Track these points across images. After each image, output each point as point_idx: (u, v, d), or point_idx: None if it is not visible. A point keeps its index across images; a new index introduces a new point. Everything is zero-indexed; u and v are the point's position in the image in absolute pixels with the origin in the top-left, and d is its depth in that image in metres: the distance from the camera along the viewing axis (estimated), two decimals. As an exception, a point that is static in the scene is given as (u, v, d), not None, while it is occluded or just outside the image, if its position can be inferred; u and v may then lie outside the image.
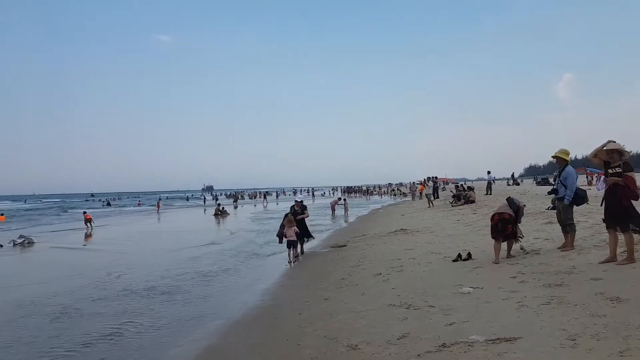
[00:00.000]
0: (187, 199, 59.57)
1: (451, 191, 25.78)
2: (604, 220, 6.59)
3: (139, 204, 64.99)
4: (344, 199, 31.63)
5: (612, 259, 5.99)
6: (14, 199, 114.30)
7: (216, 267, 10.99)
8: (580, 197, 7.69)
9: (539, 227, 10.79)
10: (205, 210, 43.71)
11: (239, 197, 65.32)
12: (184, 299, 7.92)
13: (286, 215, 11.80)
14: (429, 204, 23.97)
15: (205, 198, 67.56)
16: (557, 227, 8.38)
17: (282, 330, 5.52)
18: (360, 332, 4.77)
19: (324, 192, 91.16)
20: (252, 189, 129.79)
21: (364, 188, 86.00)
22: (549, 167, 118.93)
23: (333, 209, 29.46)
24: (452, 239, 11.01)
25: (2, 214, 35.12)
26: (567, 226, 7.57)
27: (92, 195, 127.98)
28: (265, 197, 60.07)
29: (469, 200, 20.21)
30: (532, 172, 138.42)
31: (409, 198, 43.56)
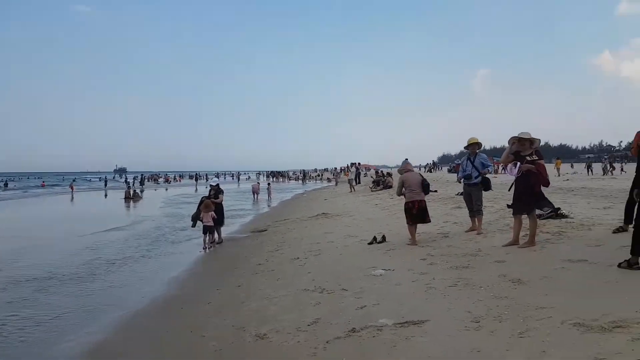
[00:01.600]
0: (106, 183, 54.41)
1: (372, 177, 26.47)
2: (509, 206, 6.93)
3: (42, 185, 59.45)
4: (268, 183, 31.34)
5: (514, 242, 6.31)
6: None
7: (123, 254, 10.18)
8: (489, 183, 8.09)
9: (448, 211, 11.31)
10: (106, 194, 41.06)
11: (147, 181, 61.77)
12: (82, 289, 7.18)
13: (203, 199, 11.26)
14: (351, 188, 24.46)
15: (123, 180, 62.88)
16: (465, 212, 8.76)
17: (187, 321, 5.18)
18: (271, 320, 4.59)
19: (249, 177, 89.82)
20: (177, 171, 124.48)
21: (291, 173, 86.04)
22: (460, 156, 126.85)
23: (255, 193, 28.95)
24: (370, 222, 11.19)
25: None
26: (476, 211, 7.92)
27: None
28: (196, 180, 57.49)
29: (387, 186, 20.85)
30: (445, 160, 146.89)
31: (332, 183, 44.26)
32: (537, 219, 6.78)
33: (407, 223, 7.75)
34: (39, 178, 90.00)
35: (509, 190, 6.76)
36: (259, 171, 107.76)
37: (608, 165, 34.97)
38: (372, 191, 21.13)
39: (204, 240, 10.69)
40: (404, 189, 7.84)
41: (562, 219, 7.88)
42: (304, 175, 70.42)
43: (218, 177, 57.37)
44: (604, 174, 32.07)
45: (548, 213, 7.92)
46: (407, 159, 8.51)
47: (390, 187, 20.72)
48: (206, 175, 64.15)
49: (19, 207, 28.21)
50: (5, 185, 57.87)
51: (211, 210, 10.77)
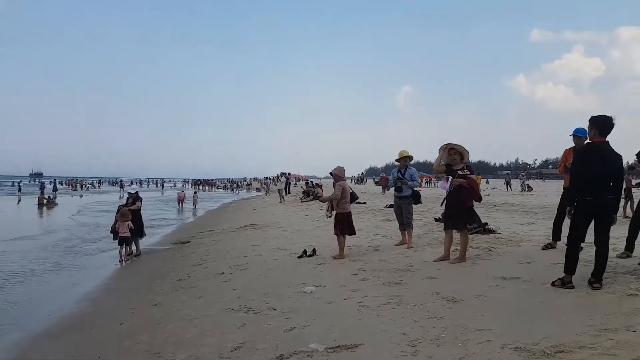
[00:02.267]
0: (20, 188, 47.86)
1: (302, 187, 26.33)
2: (437, 220, 6.97)
3: None
4: (194, 192, 30.17)
5: (445, 257, 6.31)
6: None
7: (28, 266, 9.08)
8: (419, 196, 8.13)
9: (378, 223, 11.33)
10: (19, 199, 37.23)
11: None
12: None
13: (119, 208, 10.34)
14: (281, 199, 24.11)
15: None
16: (395, 224, 8.75)
17: (95, 345, 4.59)
18: (190, 344, 4.12)
19: (174, 184, 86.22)
20: (98, 177, 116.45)
21: (217, 182, 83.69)
22: (385, 169, 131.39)
23: (181, 202, 27.66)
24: (300, 234, 10.90)
25: None
26: (407, 224, 7.90)
27: None
28: (121, 187, 53.56)
29: (317, 196, 20.75)
30: (371, 172, 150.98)
31: (262, 193, 43.60)
32: (471, 234, 6.85)
33: (337, 234, 7.53)
34: None
35: (441, 205, 6.76)
36: (185, 179, 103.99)
37: (525, 182, 37.67)
38: (302, 202, 20.94)
39: (120, 253, 9.79)
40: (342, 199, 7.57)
41: (490, 234, 8.10)
42: (233, 185, 69.04)
43: (140, 184, 54.61)
44: (522, 190, 34.46)
45: (476, 228, 8.10)
46: (342, 166, 8.22)
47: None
48: (121, 181, 59.87)
49: None
50: None
51: (128, 219, 9.91)
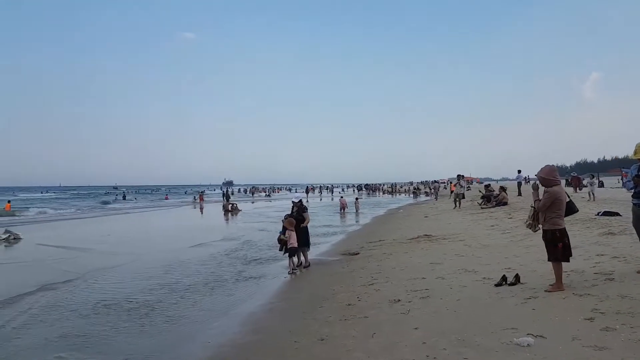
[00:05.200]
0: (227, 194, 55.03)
1: (480, 191, 23.48)
2: None
3: (166, 198, 63.44)
4: (356, 198, 29.89)
5: None
6: (40, 190, 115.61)
7: (199, 276, 9.25)
8: None
9: (597, 239, 8.67)
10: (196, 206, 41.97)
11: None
12: (138, 325, 6.11)
13: (285, 217, 9.93)
14: (456, 205, 21.62)
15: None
16: (623, 240, 6.37)
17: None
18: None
19: (343, 189, 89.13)
20: (271, 184, 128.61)
21: (383, 186, 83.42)
22: (577, 168, 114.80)
23: (342, 208, 27.67)
24: (489, 251, 8.98)
25: (8, 202, 34.26)
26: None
27: (115, 187, 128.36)
28: (307, 192, 57.96)
29: (501, 202, 18.01)
30: (562, 172, 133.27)
31: (430, 197, 41.42)
32: None
33: (553, 260, 5.56)
34: (154, 191, 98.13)
35: None
36: (347, 184, 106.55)
37: None
38: (481, 208, 18.43)
39: (290, 263, 9.36)
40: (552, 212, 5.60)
41: None
42: (395, 188, 67.79)
43: (307, 192, 56.89)
44: None
45: None
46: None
47: (505, 204, 17.88)
48: (287, 188, 63.91)
49: (139, 219, 29.81)
50: (124, 197, 63.29)
51: (293, 229, 9.45)
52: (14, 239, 16.28)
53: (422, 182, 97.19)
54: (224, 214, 29.30)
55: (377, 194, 68.32)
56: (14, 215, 29.99)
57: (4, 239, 15.93)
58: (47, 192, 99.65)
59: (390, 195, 59.91)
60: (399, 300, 5.94)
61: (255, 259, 11.24)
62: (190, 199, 56.66)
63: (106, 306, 7.10)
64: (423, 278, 7.08)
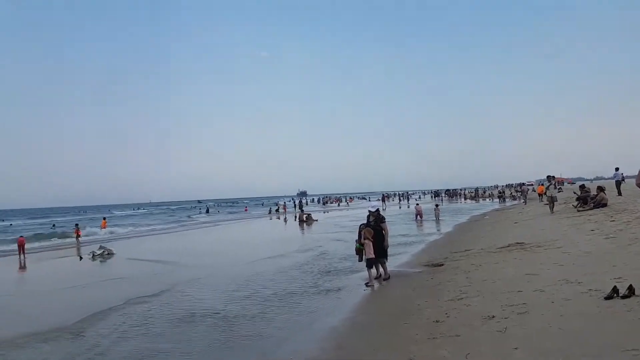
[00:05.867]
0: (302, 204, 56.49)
1: (575, 192, 21.45)
2: None
3: (245, 210, 67.20)
4: (436, 205, 28.74)
5: None
6: (132, 207, 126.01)
7: (276, 288, 9.22)
8: None
9: None
10: (278, 217, 42.61)
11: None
12: (222, 340, 6.09)
13: (361, 227, 9.55)
14: (551, 208, 19.67)
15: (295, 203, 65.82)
16: None
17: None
18: None
19: (420, 196, 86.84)
20: (345, 193, 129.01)
21: (465, 191, 79.83)
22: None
23: (419, 215, 26.71)
24: (592, 259, 7.96)
25: (104, 218, 37.26)
26: None
27: (199, 202, 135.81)
28: (383, 200, 57.80)
29: (600, 204, 16.25)
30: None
31: (518, 202, 38.88)
32: None
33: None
34: (233, 204, 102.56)
35: None
36: (424, 190, 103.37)
37: None
38: (578, 211, 16.74)
39: (369, 276, 9.02)
40: None
41: None
42: (478, 193, 64.47)
43: (383, 201, 55.92)
44: None
45: None
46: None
47: (605, 205, 16.10)
48: (361, 196, 63.38)
49: (220, 231, 31.14)
50: (207, 211, 66.75)
51: (370, 239, 9.10)
52: (108, 254, 17.52)
53: (506, 186, 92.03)
54: (299, 225, 29.57)
55: (459, 199, 65.53)
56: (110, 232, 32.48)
57: (98, 255, 17.21)
58: (139, 208, 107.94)
59: (473, 201, 57.09)
60: (494, 317, 5.36)
61: (332, 271, 11.02)
62: (266, 210, 58.41)
63: (188, 320, 7.22)
64: (519, 291, 6.38)
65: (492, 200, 53.88)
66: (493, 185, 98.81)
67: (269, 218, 44.35)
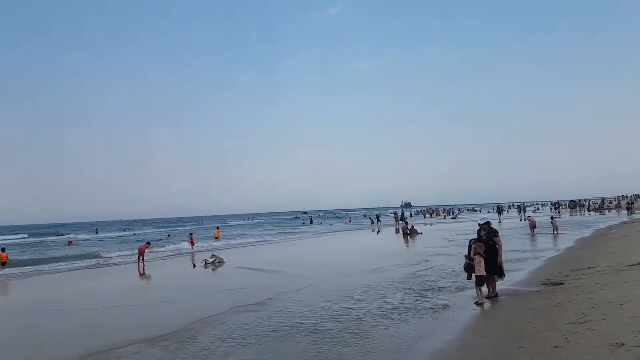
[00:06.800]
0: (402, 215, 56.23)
1: None
2: None
3: (349, 221, 69.20)
4: (552, 217, 26.51)
5: None
6: (243, 217, 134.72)
7: (379, 303, 9.20)
8: None
9: None
10: (379, 229, 42.15)
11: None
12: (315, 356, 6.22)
13: (471, 241, 9.16)
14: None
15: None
16: None
17: None
18: None
19: (537, 207, 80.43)
20: (453, 205, 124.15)
21: (589, 202, 72.03)
22: None
23: (533, 228, 24.89)
24: None
25: (217, 228, 40.30)
26: None
27: (305, 212, 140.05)
28: (499, 212, 55.47)
29: None
30: None
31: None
32: None
33: None
34: (336, 216, 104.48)
35: None
36: (542, 202, 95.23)
37: None
38: None
39: (477, 294, 8.66)
40: None
41: None
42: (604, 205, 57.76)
43: (500, 212, 52.48)
44: None
45: None
46: None
47: None
48: (471, 208, 60.25)
49: (323, 241, 31.91)
50: (311, 222, 69.03)
51: (481, 255, 8.72)
52: (219, 262, 18.91)
53: (635, 195, 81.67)
54: (403, 237, 29.14)
55: (582, 211, 59.47)
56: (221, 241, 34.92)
57: (210, 262, 18.66)
58: (250, 219, 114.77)
59: (597, 213, 51.42)
60: (623, 344, 4.85)
61: (438, 287, 10.71)
62: (368, 222, 58.85)
63: (286, 333, 7.39)
64: (654, 317, 5.71)
65: (619, 211, 48.00)
66: (620, 195, 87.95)
67: (371, 230, 44.35)
